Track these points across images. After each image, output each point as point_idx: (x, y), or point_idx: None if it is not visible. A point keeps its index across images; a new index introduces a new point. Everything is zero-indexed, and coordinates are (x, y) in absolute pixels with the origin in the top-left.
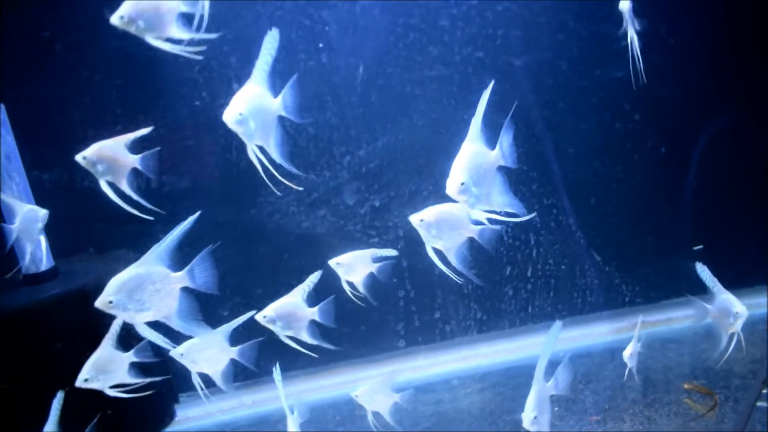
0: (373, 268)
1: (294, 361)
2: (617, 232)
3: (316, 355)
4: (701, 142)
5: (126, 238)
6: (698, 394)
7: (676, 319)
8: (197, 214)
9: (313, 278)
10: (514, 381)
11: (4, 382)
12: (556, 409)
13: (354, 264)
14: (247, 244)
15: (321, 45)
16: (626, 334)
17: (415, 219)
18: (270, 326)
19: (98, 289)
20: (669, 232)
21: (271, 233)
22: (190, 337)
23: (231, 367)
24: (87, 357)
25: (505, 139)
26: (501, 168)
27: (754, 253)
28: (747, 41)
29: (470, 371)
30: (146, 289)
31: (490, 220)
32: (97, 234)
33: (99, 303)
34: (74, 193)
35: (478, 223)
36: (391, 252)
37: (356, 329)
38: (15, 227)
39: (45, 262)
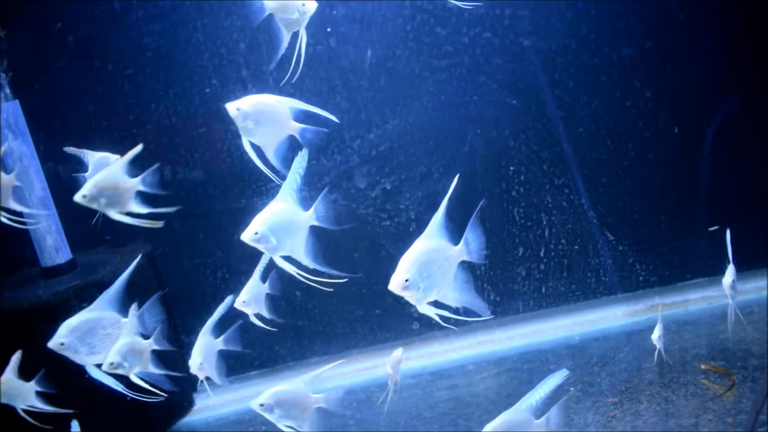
0: None
1: (311, 347)
2: (630, 212)
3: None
4: (716, 120)
5: (141, 231)
6: (716, 374)
7: (692, 300)
8: (138, 259)
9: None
10: (530, 365)
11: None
12: (572, 390)
13: None
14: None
15: (329, 29)
16: (641, 317)
17: (231, 108)
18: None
19: (114, 280)
20: (683, 212)
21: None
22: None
23: (222, 361)
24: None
25: (471, 234)
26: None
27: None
28: (764, 16)
29: (485, 356)
30: (97, 334)
31: None
32: (113, 227)
33: (51, 344)
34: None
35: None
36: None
37: (371, 313)
38: (88, 175)
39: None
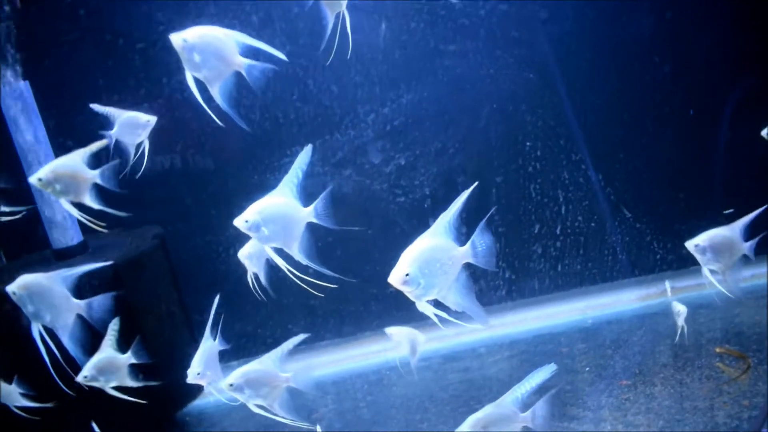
0: None
1: (323, 331)
2: (649, 189)
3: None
4: (736, 96)
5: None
6: (730, 357)
7: (705, 285)
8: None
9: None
10: (543, 348)
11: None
12: (587, 369)
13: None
14: None
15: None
16: (655, 301)
17: (176, 39)
18: None
19: (127, 263)
20: (701, 192)
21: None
22: None
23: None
24: (119, 330)
25: (480, 238)
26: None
27: None
28: None
29: (498, 339)
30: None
31: None
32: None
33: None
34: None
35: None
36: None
37: (384, 292)
38: (113, 132)
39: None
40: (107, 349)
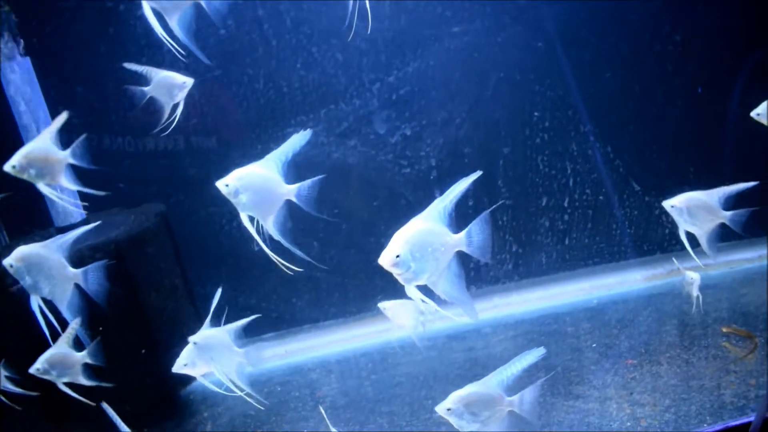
0: None
1: (327, 311)
2: (657, 161)
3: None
4: (748, 67)
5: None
6: (737, 337)
7: (712, 265)
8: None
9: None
10: (547, 328)
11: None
12: (594, 346)
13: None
14: None
15: None
16: (661, 281)
17: None
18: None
19: (129, 240)
20: (711, 164)
21: (300, 165)
22: None
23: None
24: (123, 305)
25: (477, 227)
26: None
27: None
28: None
29: (502, 319)
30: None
31: None
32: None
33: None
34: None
35: None
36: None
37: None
38: (148, 89)
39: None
40: (62, 345)
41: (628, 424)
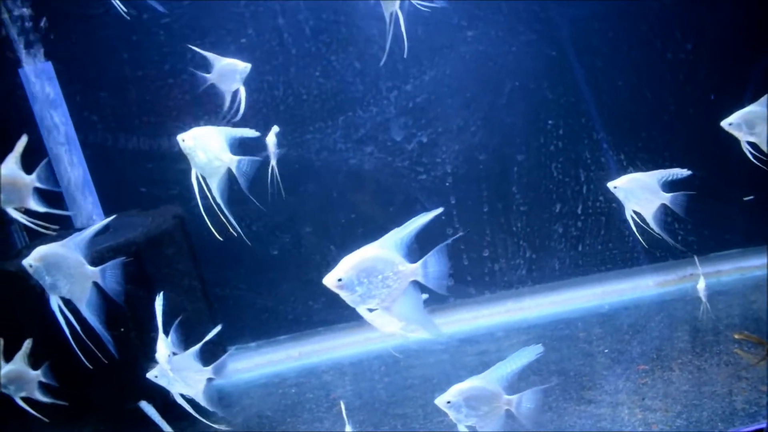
0: None
1: (342, 314)
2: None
3: None
4: (758, 72)
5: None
6: (749, 343)
7: (724, 271)
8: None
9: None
10: (560, 332)
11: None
12: (606, 351)
13: None
14: (295, 183)
15: None
16: (673, 287)
17: None
18: None
19: (146, 241)
20: (724, 172)
21: (318, 171)
22: None
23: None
24: (140, 305)
25: (434, 258)
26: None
27: None
28: None
29: (515, 323)
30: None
31: None
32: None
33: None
34: (121, 155)
35: None
36: None
37: None
38: (210, 76)
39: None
40: (19, 363)
41: (640, 429)
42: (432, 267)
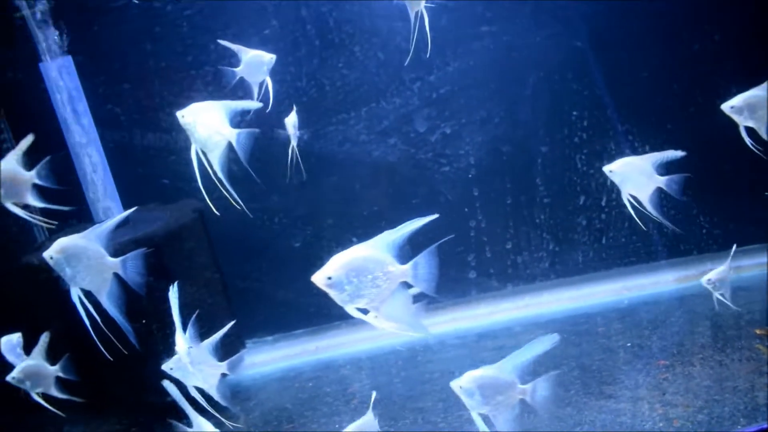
0: None
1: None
2: (695, 160)
3: None
4: None
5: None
6: None
7: (745, 267)
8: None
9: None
10: (579, 327)
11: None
12: (628, 345)
13: None
14: (318, 174)
15: None
16: (693, 282)
17: None
18: None
19: (166, 235)
20: (749, 165)
21: (341, 162)
22: None
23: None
24: (160, 298)
25: (424, 260)
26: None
27: None
28: None
29: (533, 318)
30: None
31: None
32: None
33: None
34: (142, 150)
35: None
36: None
37: None
38: (239, 70)
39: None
40: (36, 358)
41: (661, 424)
42: (422, 269)
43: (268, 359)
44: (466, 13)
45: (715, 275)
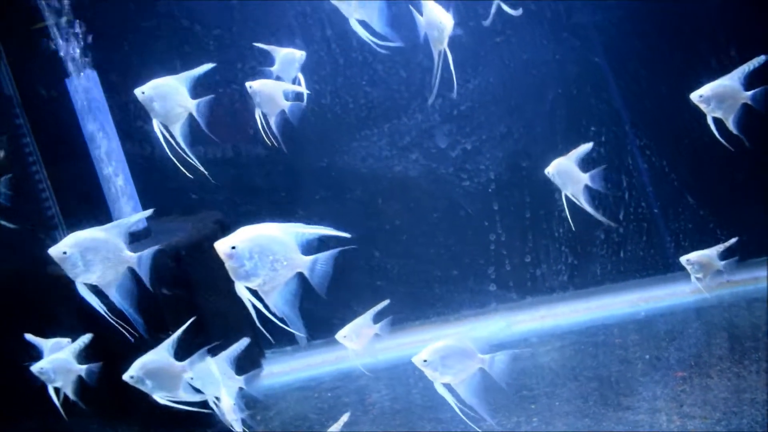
0: None
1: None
2: (712, 174)
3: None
4: None
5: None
6: None
7: (762, 278)
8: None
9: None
10: (595, 339)
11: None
12: (647, 357)
13: None
14: (341, 189)
15: None
16: (710, 294)
17: None
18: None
19: (189, 246)
20: (762, 181)
21: (364, 177)
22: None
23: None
24: (182, 305)
25: (324, 259)
26: None
27: None
28: None
29: (549, 329)
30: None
31: None
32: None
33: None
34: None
35: None
36: None
37: (448, 274)
38: (274, 69)
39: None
40: (68, 354)
41: None
42: (320, 266)
43: (287, 369)
44: (486, 30)
45: (695, 256)
